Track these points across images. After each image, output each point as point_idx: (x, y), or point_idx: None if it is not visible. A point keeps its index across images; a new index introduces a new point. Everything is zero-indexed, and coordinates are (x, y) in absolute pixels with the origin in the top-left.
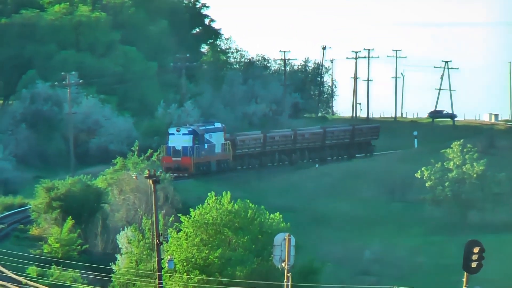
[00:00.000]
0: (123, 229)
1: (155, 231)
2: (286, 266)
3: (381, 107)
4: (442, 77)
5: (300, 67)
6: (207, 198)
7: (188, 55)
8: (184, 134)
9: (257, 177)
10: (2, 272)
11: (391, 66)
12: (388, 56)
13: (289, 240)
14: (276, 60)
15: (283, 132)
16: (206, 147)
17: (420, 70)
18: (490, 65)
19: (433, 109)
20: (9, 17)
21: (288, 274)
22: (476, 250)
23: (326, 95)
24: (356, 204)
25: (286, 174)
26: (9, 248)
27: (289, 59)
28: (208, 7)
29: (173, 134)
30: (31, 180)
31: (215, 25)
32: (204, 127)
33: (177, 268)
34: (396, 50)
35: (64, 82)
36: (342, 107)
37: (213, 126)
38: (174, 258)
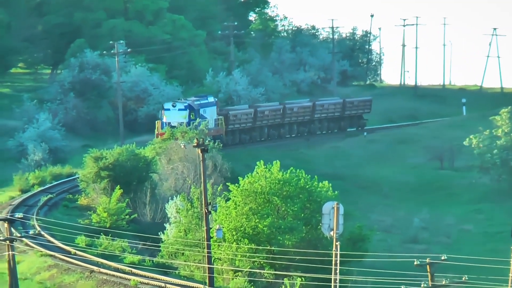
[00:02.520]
0: (172, 199)
1: (203, 200)
2: (334, 235)
3: (429, 75)
4: (490, 44)
5: (348, 34)
6: (256, 167)
7: (236, 23)
8: (180, 110)
9: (305, 145)
10: (51, 242)
11: (439, 34)
12: (436, 24)
13: (337, 209)
14: (324, 28)
15: (272, 107)
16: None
17: (469, 37)
18: None
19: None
20: None
21: (336, 243)
22: None
23: (374, 63)
24: (404, 171)
25: (334, 142)
26: (58, 218)
27: (337, 27)
28: None
29: (168, 109)
30: (79, 149)
31: None
32: (199, 102)
33: (225, 237)
34: (444, 17)
35: (112, 51)
36: (390, 74)
37: (207, 101)
38: (223, 227)
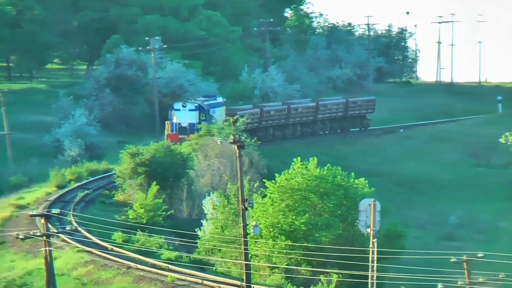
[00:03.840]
0: (208, 195)
1: (240, 197)
2: (371, 231)
3: (464, 72)
4: None
5: (383, 31)
6: (293, 164)
7: (271, 19)
8: (190, 110)
9: (341, 141)
10: (88, 238)
11: (475, 31)
12: (471, 21)
13: (374, 206)
14: (360, 24)
15: (277, 107)
16: (210, 123)
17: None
18: None
19: None
20: None
21: (373, 240)
22: None
23: (410, 60)
24: (440, 168)
25: (370, 138)
26: (94, 214)
27: (372, 24)
28: None
29: (178, 109)
30: (115, 145)
31: None
32: (208, 102)
33: (262, 234)
34: (480, 14)
35: (148, 47)
36: (425, 71)
37: (216, 101)
38: (260, 223)
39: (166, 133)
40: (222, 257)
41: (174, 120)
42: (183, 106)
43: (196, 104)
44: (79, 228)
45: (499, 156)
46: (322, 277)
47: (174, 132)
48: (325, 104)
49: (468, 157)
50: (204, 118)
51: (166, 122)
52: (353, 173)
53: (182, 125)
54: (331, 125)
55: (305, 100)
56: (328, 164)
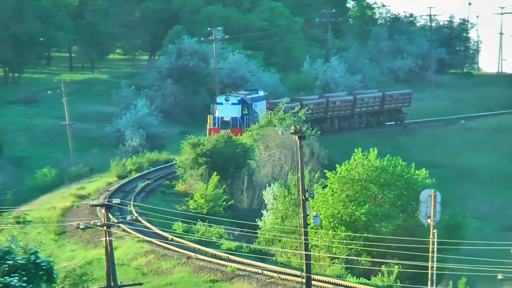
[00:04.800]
0: (269, 185)
1: (301, 187)
2: (431, 222)
3: None
4: None
5: (445, 22)
6: (354, 154)
7: (333, 10)
8: (233, 104)
9: (403, 133)
10: (148, 228)
11: None
12: None
13: (435, 197)
14: (422, 15)
15: (315, 100)
16: (253, 117)
17: None
18: None
19: None
20: None
21: (434, 231)
22: None
23: (471, 51)
24: (501, 159)
25: (432, 129)
26: (155, 204)
27: (434, 15)
28: None
29: (221, 103)
30: (176, 135)
31: None
32: (251, 96)
33: (322, 224)
34: None
35: (210, 38)
36: (487, 63)
37: (257, 95)
38: (320, 214)
39: (208, 127)
40: (282, 247)
41: (216, 114)
42: (226, 100)
43: (239, 98)
44: (140, 218)
45: None
46: (383, 267)
47: (217, 126)
48: (363, 98)
49: None
50: (247, 113)
51: (208, 116)
52: (413, 164)
53: (225, 119)
54: (368, 119)
55: (343, 94)
56: (388, 155)
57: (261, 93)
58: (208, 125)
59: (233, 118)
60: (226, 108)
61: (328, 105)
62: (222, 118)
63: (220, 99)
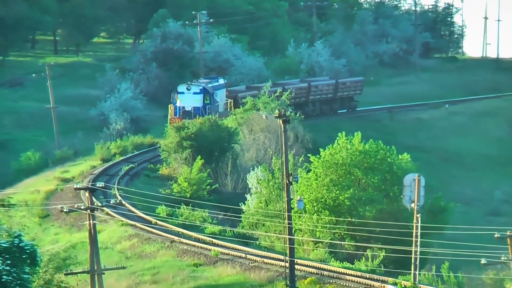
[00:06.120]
0: (253, 169)
1: (284, 171)
2: (415, 207)
3: (511, 47)
4: None
5: (430, 6)
6: (337, 138)
7: None
8: (195, 93)
9: (388, 116)
10: (132, 212)
11: None
12: None
13: (419, 181)
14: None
15: (272, 89)
16: (214, 106)
17: None
18: None
19: None
20: None
21: (417, 215)
22: None
23: (456, 35)
24: (487, 143)
25: (416, 113)
26: (139, 187)
27: None
28: None
29: (182, 92)
30: (161, 118)
31: None
32: (212, 84)
33: (306, 209)
34: None
35: (195, 21)
36: (472, 47)
37: (218, 83)
38: (304, 198)
39: (169, 117)
40: (266, 232)
41: (178, 104)
42: (187, 89)
43: (201, 87)
44: (124, 202)
45: None
46: (369, 252)
47: (178, 116)
48: (317, 85)
49: None
50: (208, 102)
51: (169, 105)
52: (393, 147)
53: (186, 109)
54: (321, 106)
55: (296, 81)
56: (371, 139)
57: (221, 81)
58: (169, 114)
59: (195, 107)
60: (188, 98)
61: (338, 87)
62: (183, 107)
63: (181, 88)
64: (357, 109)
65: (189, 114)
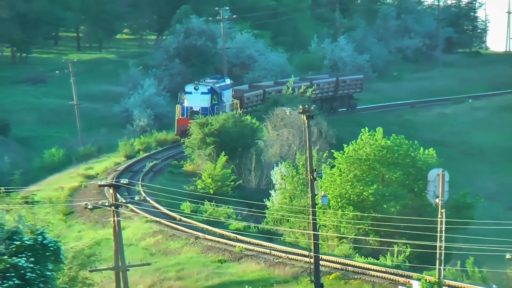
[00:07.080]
0: (277, 165)
1: (309, 167)
2: (440, 202)
3: None
4: None
5: (453, 1)
6: (361, 134)
7: None
8: (203, 93)
9: (411, 111)
10: (157, 208)
11: None
12: None
13: (443, 176)
14: None
15: (278, 87)
16: (222, 106)
17: None
18: None
19: None
20: None
21: (442, 210)
22: None
23: (479, 30)
24: (510, 138)
25: (440, 108)
26: (163, 184)
27: None
28: None
29: (190, 92)
30: None
31: None
32: (219, 84)
33: (330, 204)
34: None
35: (217, 17)
36: (495, 42)
37: (225, 83)
38: (328, 194)
39: (176, 117)
40: (290, 227)
41: (185, 104)
42: (195, 89)
43: (209, 87)
44: (148, 198)
45: None
46: (395, 247)
47: (185, 116)
48: (318, 83)
49: None
50: (216, 102)
51: (176, 105)
52: (416, 142)
53: (194, 109)
54: (322, 105)
55: (324, 76)
56: (393, 134)
57: (228, 81)
58: (176, 115)
59: (202, 108)
60: (195, 98)
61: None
62: (191, 108)
63: (189, 88)
64: (360, 106)
65: (197, 115)
